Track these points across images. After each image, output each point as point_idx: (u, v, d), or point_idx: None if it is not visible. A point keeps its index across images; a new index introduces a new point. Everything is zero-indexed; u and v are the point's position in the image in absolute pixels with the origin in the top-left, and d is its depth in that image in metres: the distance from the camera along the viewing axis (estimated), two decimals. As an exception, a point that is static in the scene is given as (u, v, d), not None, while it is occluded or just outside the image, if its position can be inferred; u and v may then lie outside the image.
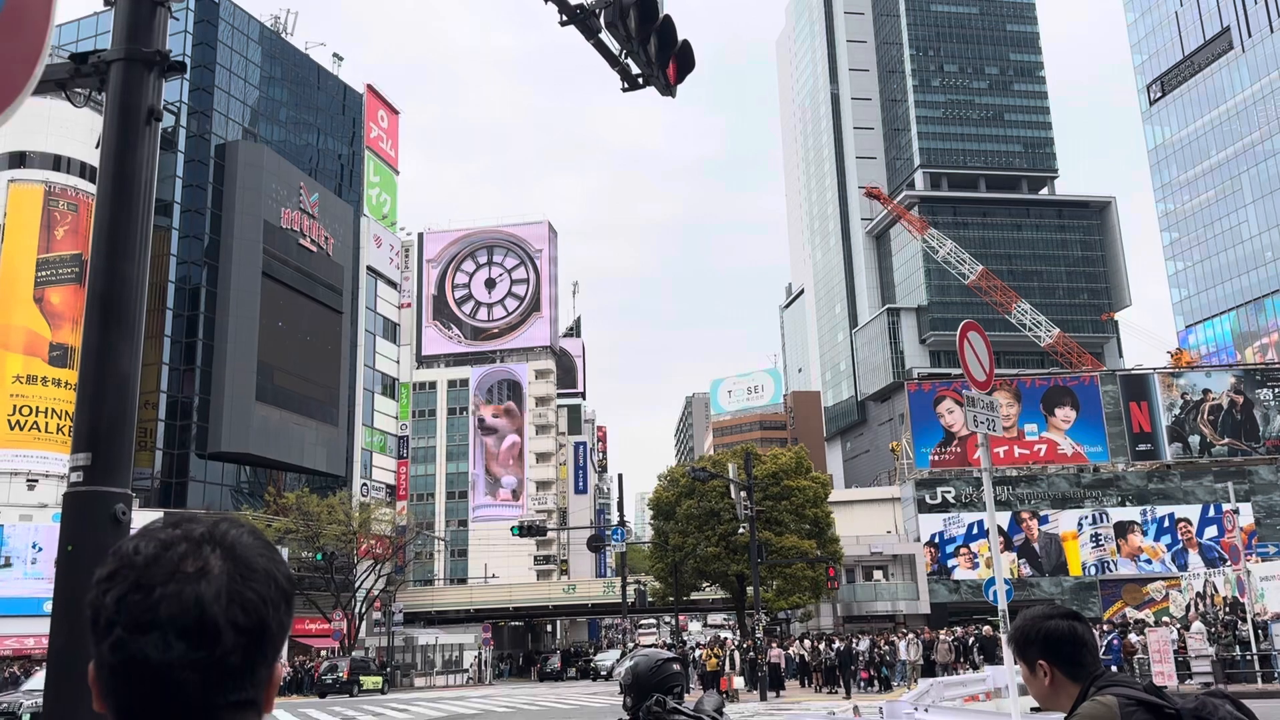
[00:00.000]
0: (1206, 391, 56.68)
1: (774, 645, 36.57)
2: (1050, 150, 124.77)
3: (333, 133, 74.08)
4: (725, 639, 47.97)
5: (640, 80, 7.82)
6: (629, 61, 7.72)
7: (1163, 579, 51.09)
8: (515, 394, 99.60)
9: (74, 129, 50.10)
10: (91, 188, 47.91)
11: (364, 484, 68.76)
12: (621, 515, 51.23)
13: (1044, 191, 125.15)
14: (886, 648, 36.17)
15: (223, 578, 1.07)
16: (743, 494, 36.08)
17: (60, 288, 50.73)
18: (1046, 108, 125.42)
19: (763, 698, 32.06)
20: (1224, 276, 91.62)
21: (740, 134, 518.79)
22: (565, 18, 7.39)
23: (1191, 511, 53.95)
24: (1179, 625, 29.80)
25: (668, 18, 7.76)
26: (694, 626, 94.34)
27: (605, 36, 7.56)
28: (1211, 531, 52.79)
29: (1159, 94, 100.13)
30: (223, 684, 1.06)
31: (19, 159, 50.95)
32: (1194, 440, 55.90)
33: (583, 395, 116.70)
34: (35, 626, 41.66)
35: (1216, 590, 37.66)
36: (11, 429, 48.59)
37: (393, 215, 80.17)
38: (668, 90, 8.02)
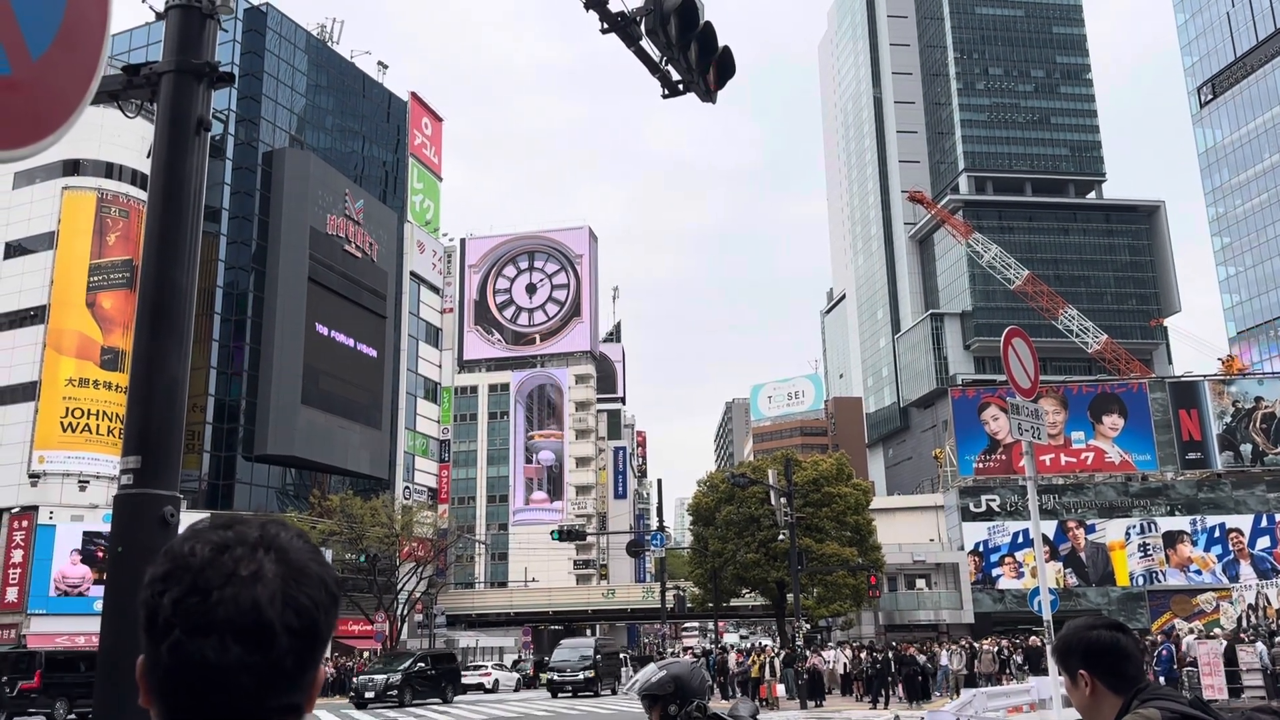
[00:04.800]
0: (1259, 399, 55.48)
1: (814, 653, 36.31)
2: (1098, 154, 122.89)
3: (377, 140, 74.93)
4: (766, 646, 47.73)
5: (680, 87, 7.84)
6: (669, 68, 7.73)
7: (1213, 590, 50.12)
8: (555, 399, 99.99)
9: (126, 137, 51.12)
10: (143, 195, 48.81)
11: (406, 487, 69.35)
12: (661, 520, 51.18)
13: (1091, 195, 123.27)
14: (926, 657, 35.77)
15: (277, 581, 1.08)
16: (783, 500, 35.96)
17: (112, 293, 51.75)
18: (1094, 111, 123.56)
19: (803, 706, 31.88)
20: (1277, 282, 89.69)
21: (781, 139, 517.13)
22: (606, 25, 7.42)
23: (1243, 521, 52.82)
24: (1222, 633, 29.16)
25: (708, 24, 7.77)
26: (730, 639, 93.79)
27: (646, 44, 7.58)
28: (1264, 542, 51.69)
29: (1210, 96, 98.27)
30: (276, 687, 1.07)
31: (73, 167, 52.07)
32: (1246, 449, 54.73)
33: (622, 400, 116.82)
34: (85, 625, 42.62)
35: (1269, 602, 36.82)
36: (64, 431, 49.63)
37: (436, 221, 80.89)
38: (708, 96, 8.02)
